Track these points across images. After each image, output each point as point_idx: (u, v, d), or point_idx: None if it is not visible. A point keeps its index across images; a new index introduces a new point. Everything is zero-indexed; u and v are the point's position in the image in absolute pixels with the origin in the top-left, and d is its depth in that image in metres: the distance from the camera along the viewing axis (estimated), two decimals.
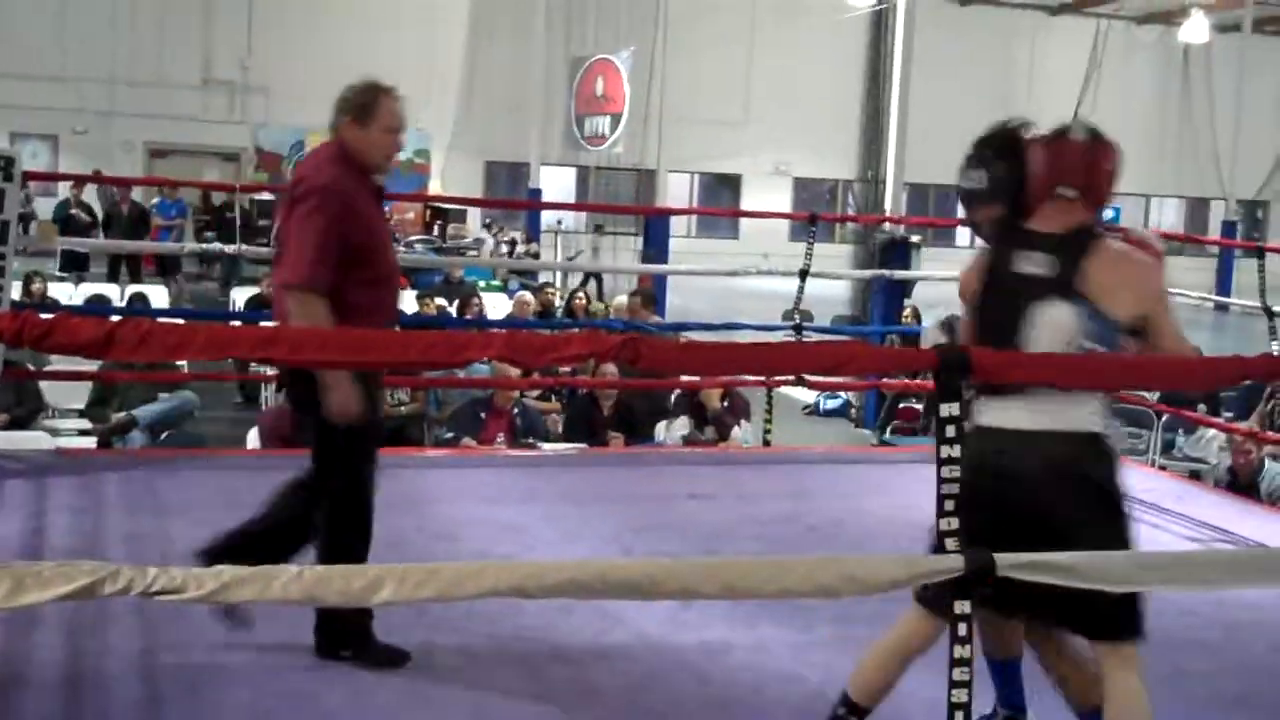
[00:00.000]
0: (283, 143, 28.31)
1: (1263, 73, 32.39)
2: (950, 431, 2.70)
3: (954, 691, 2.72)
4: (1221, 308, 24.58)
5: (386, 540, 5.73)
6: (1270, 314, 7.55)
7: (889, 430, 11.96)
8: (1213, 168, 33.41)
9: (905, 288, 14.01)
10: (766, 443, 8.32)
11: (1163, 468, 10.01)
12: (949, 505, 2.72)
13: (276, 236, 4.64)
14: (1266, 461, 8.71)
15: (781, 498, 6.95)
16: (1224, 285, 29.54)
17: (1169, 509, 6.97)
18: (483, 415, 8.76)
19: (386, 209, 25.76)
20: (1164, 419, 10.60)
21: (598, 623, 4.76)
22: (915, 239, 14.86)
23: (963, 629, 2.70)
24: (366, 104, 4.29)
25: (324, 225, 4.14)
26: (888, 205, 18.41)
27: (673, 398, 9.94)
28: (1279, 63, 33.63)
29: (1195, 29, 30.78)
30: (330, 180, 4.22)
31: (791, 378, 8.07)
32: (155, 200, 22.36)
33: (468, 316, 11.98)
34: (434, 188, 28.30)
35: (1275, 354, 7.33)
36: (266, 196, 23.15)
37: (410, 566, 2.45)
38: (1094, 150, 3.45)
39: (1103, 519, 3.23)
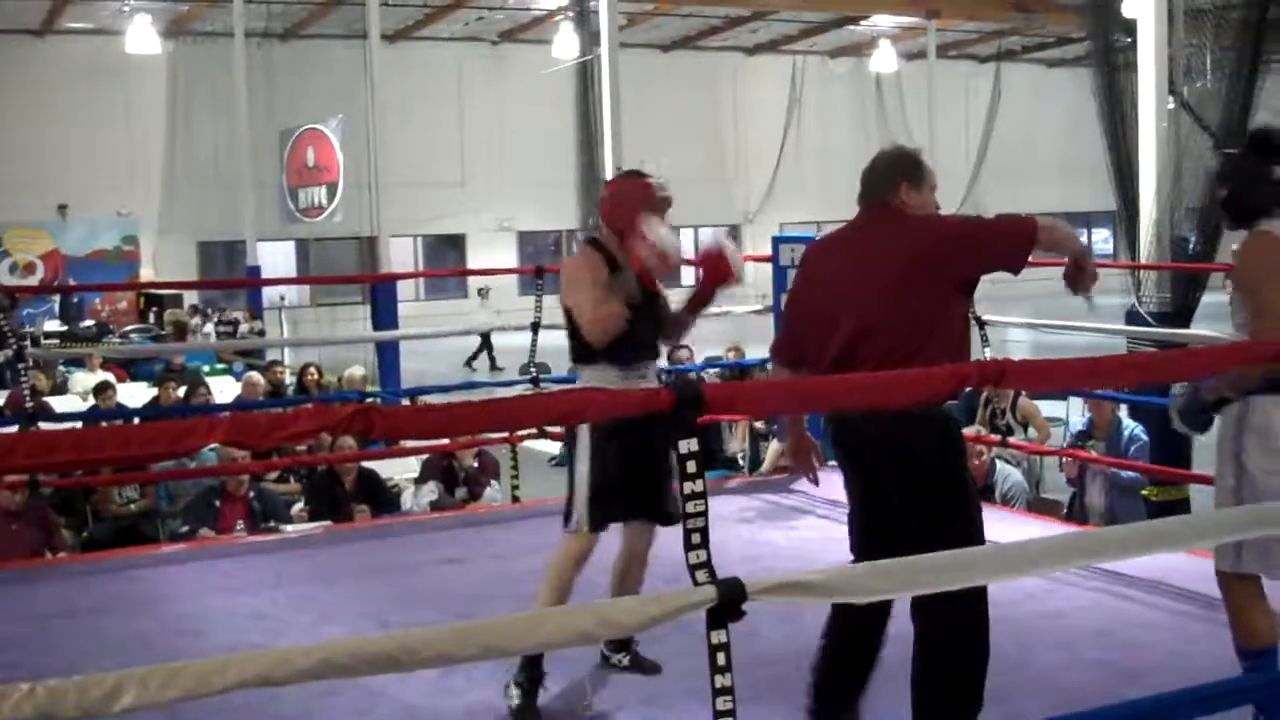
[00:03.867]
0: None
1: (951, 95, 34.22)
2: (691, 467, 2.70)
3: None
4: None
5: (128, 645, 5.50)
6: (980, 323, 7.88)
7: None
8: None
9: None
10: (516, 499, 8.27)
11: None
12: (696, 539, 2.72)
13: None
14: (996, 463, 8.99)
15: (538, 551, 6.84)
16: None
17: None
18: (217, 503, 8.49)
19: (98, 300, 24.33)
20: None
21: (360, 702, 4.63)
22: None
23: (721, 658, 2.70)
24: (919, 163, 4.05)
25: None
26: None
27: (420, 462, 9.84)
28: (963, 84, 35.57)
29: (884, 59, 32.45)
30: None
31: (533, 430, 8.06)
32: None
33: (194, 403, 11.60)
34: (145, 275, 27.36)
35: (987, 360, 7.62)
36: None
37: (152, 669, 2.32)
38: None
39: None
